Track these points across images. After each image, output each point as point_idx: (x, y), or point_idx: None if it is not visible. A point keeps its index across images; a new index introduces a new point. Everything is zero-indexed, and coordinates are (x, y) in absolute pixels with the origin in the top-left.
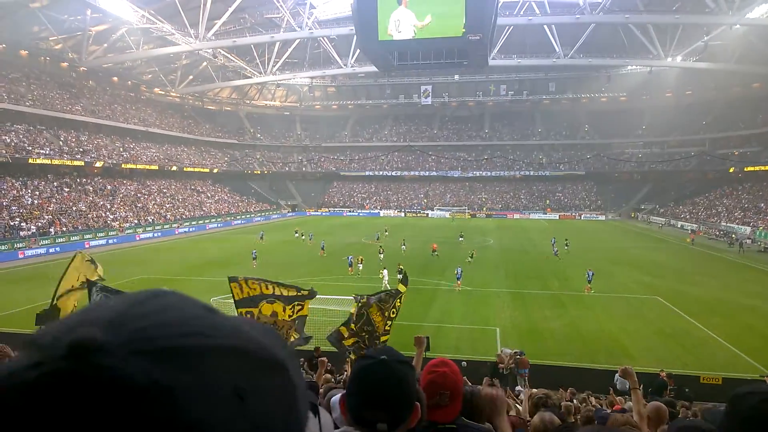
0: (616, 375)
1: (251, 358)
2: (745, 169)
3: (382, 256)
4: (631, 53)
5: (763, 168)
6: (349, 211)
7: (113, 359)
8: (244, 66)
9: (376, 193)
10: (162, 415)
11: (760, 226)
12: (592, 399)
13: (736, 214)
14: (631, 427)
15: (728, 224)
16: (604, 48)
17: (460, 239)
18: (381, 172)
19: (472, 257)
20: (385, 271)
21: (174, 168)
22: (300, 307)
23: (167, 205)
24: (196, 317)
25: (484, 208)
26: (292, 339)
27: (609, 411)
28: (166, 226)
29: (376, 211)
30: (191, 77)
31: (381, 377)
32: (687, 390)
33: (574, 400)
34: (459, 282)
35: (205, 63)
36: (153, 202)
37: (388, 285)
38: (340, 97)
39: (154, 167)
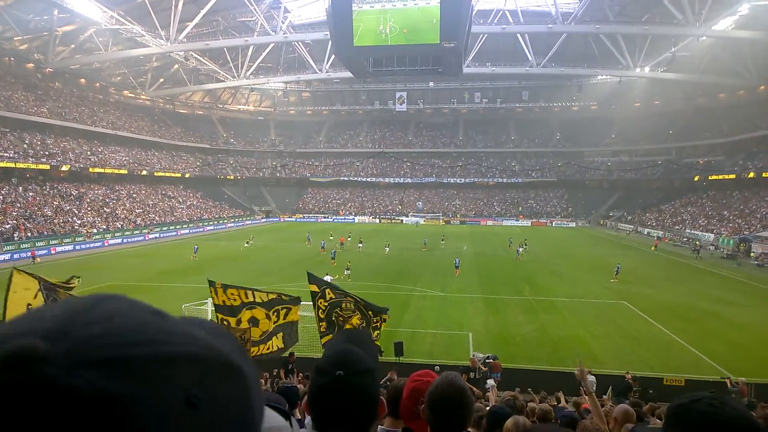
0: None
1: (204, 363)
2: (710, 178)
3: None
4: (602, 63)
5: (726, 176)
6: (324, 217)
7: (54, 370)
8: (217, 69)
9: (351, 199)
10: (109, 427)
11: (723, 233)
12: (562, 398)
13: (700, 221)
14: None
15: (692, 231)
16: (575, 58)
17: (442, 241)
18: (356, 178)
19: (443, 240)
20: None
21: (144, 172)
22: (286, 310)
23: (137, 211)
24: (144, 323)
25: (458, 215)
26: (274, 349)
27: (574, 411)
28: (135, 232)
29: (351, 217)
30: (162, 80)
31: (340, 396)
32: (651, 391)
33: (546, 402)
34: (458, 270)
35: (176, 66)
36: (122, 207)
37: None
38: (315, 103)
39: (123, 171)
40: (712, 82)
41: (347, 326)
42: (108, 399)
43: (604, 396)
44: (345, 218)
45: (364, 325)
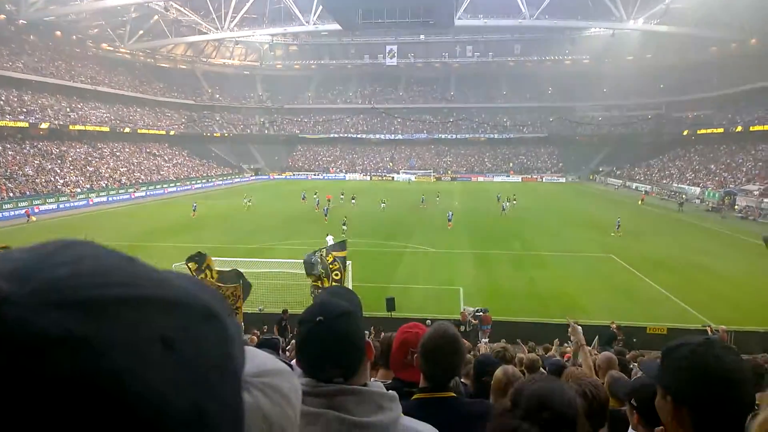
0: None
1: (181, 308)
2: (698, 132)
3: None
4: (595, 15)
5: (714, 131)
6: (314, 175)
7: (20, 310)
8: (199, 21)
9: (341, 156)
10: (81, 367)
11: (709, 186)
12: (554, 348)
13: (687, 175)
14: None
15: (679, 185)
16: (569, 10)
17: (437, 198)
18: (346, 135)
19: (438, 197)
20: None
21: (127, 130)
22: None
23: (121, 169)
24: (115, 267)
25: (450, 172)
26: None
27: (561, 359)
28: (121, 191)
29: (342, 174)
30: (141, 32)
31: (322, 339)
32: (635, 340)
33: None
34: (450, 223)
35: (156, 17)
36: (105, 166)
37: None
38: (302, 57)
39: (105, 129)
40: (705, 35)
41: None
42: (75, 339)
43: (588, 348)
44: (335, 176)
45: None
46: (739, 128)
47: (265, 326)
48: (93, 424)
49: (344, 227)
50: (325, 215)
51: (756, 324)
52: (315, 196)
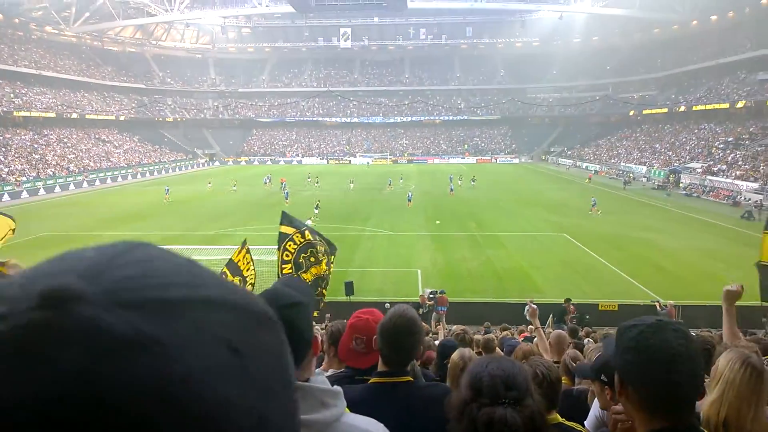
0: (526, 306)
1: (242, 312)
2: (644, 112)
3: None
4: None
5: (659, 111)
6: (271, 160)
7: (94, 309)
8: (148, 2)
9: (297, 140)
10: (153, 368)
11: (655, 165)
12: (513, 332)
13: (634, 154)
14: (533, 354)
15: (627, 165)
16: None
17: (401, 180)
18: (302, 118)
19: (401, 179)
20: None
21: (74, 115)
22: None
23: (69, 156)
24: (181, 266)
25: (406, 154)
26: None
27: (519, 340)
28: (69, 179)
29: (299, 158)
30: (87, 14)
31: None
32: (587, 317)
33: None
34: (410, 203)
35: None
36: (52, 153)
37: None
38: (256, 39)
39: (51, 115)
40: (648, 17)
41: (314, 270)
42: (149, 340)
43: (543, 327)
44: (291, 160)
45: (327, 272)
46: (683, 108)
47: None
48: (163, 428)
49: (316, 210)
50: (286, 198)
51: (701, 298)
52: (265, 182)
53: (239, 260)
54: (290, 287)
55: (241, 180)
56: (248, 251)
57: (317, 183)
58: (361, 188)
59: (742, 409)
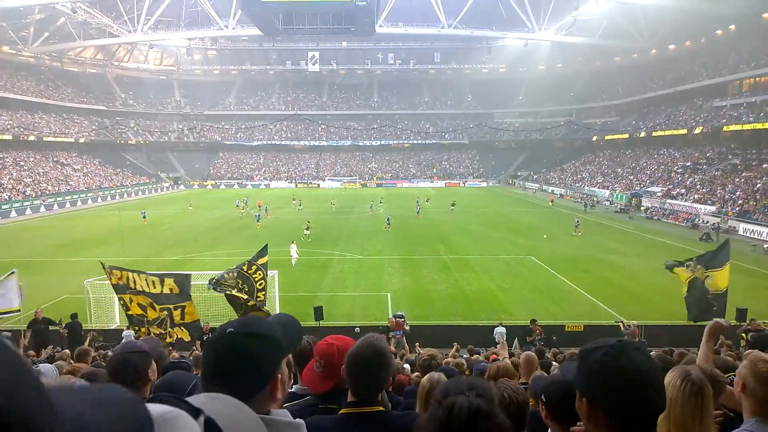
0: (495, 329)
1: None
2: (606, 138)
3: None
4: (509, 26)
5: (620, 136)
6: (238, 183)
7: None
8: (110, 23)
9: (265, 164)
10: None
11: (617, 189)
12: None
13: (597, 178)
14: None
15: (591, 188)
16: (484, 20)
17: (380, 203)
18: (270, 142)
19: (381, 202)
20: (293, 246)
21: (32, 138)
22: (181, 310)
23: (26, 180)
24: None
25: (375, 178)
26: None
27: (488, 363)
28: (26, 203)
29: (266, 182)
30: (47, 34)
31: (223, 352)
32: (554, 338)
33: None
34: (388, 226)
35: (63, 18)
36: (8, 176)
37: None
38: (222, 62)
39: (8, 137)
40: (610, 45)
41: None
42: None
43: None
44: (259, 183)
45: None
46: (643, 134)
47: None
48: None
49: (306, 231)
50: (257, 221)
51: (662, 318)
52: (237, 205)
53: (116, 281)
54: (274, 321)
55: (208, 203)
56: (110, 271)
57: (300, 207)
58: (338, 211)
59: (687, 425)
